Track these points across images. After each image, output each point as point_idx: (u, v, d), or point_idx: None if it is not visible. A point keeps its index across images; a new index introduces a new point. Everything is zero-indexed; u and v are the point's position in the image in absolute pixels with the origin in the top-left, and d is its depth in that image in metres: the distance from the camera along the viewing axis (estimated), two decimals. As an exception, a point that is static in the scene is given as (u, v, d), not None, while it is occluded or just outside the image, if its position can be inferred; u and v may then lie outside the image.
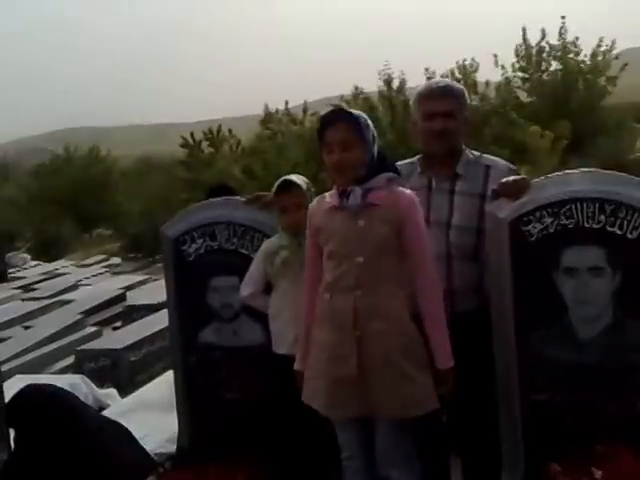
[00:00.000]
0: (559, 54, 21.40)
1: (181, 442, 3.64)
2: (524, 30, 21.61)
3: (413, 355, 2.55)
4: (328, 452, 2.85)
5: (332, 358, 2.57)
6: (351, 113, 2.62)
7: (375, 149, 2.63)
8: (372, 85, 18.42)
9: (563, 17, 21.32)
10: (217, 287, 3.46)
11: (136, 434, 3.55)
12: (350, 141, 2.56)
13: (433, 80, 3.30)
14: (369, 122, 2.62)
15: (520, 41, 21.61)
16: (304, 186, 3.05)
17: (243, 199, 3.50)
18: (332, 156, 2.57)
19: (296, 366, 2.79)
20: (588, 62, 21.18)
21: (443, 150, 2.99)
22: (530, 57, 21.52)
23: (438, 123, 2.94)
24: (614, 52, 21.21)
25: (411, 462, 2.69)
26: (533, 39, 21.49)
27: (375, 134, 2.64)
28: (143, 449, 3.51)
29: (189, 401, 3.60)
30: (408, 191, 2.64)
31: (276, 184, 3.08)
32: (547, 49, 21.51)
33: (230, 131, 22.19)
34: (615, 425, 2.75)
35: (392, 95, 17.46)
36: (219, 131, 22.19)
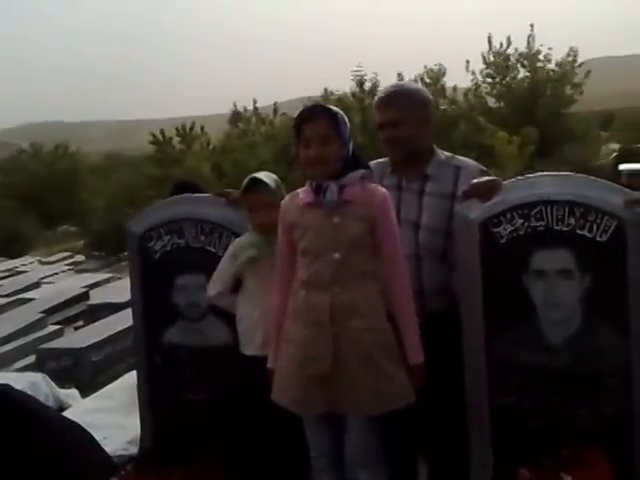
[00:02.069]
0: (526, 62, 21.74)
1: (144, 444, 3.56)
2: (489, 38, 21.96)
3: (390, 351, 2.58)
4: (298, 455, 2.81)
5: (307, 355, 2.57)
6: (330, 109, 2.64)
7: (350, 146, 2.64)
8: (343, 88, 18.51)
9: (532, 25, 21.68)
10: (183, 286, 3.38)
11: (97, 435, 3.48)
12: (329, 136, 2.57)
13: (386, 86, 3.24)
14: (346, 119, 2.64)
15: (487, 48, 21.97)
16: (273, 185, 3.00)
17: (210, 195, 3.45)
18: (310, 151, 2.58)
19: (269, 364, 2.76)
20: (557, 70, 21.55)
21: (398, 157, 3.01)
22: (497, 64, 21.82)
23: (386, 133, 2.98)
24: (579, 60, 21.64)
25: (381, 463, 2.68)
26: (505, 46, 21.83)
27: (350, 132, 2.65)
28: (104, 451, 3.44)
29: (153, 402, 3.52)
30: (381, 188, 2.68)
31: (244, 182, 3.03)
32: (515, 56, 21.84)
33: (202, 128, 22.04)
34: (584, 429, 2.75)
35: (364, 96, 17.52)
36: (192, 128, 22.02)
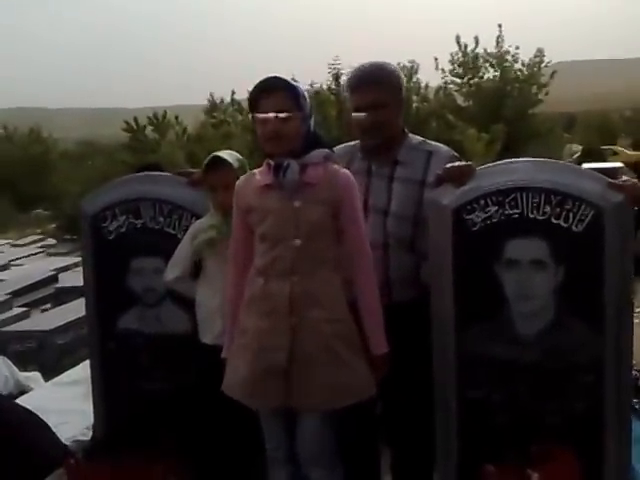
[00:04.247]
0: (495, 62, 21.92)
1: (96, 433, 3.42)
2: (458, 38, 22.03)
3: (351, 342, 2.45)
4: (252, 443, 2.70)
5: (263, 347, 2.42)
6: (289, 81, 2.45)
7: (312, 122, 2.48)
8: (318, 81, 18.47)
9: (500, 25, 21.82)
10: (139, 269, 3.21)
11: (57, 420, 3.42)
12: (287, 110, 2.39)
13: (362, 65, 2.88)
14: (306, 93, 2.48)
15: (456, 48, 22.04)
16: (235, 164, 2.85)
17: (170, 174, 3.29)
18: (267, 126, 2.40)
19: (224, 354, 2.62)
20: (525, 72, 21.79)
21: (377, 143, 2.85)
22: (466, 64, 21.95)
23: (367, 117, 2.77)
24: (545, 62, 21.91)
25: (335, 461, 2.56)
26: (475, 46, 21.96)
27: (311, 107, 2.49)
28: (55, 439, 3.33)
29: (106, 389, 3.36)
30: (344, 170, 2.52)
31: (205, 161, 2.88)
32: (483, 56, 22.00)
33: (176, 118, 21.90)
34: (554, 426, 2.64)
35: (340, 90, 17.53)
36: (164, 117, 21.87)
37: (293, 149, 2.42)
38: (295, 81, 2.49)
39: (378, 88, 2.78)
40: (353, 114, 2.83)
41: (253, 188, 2.49)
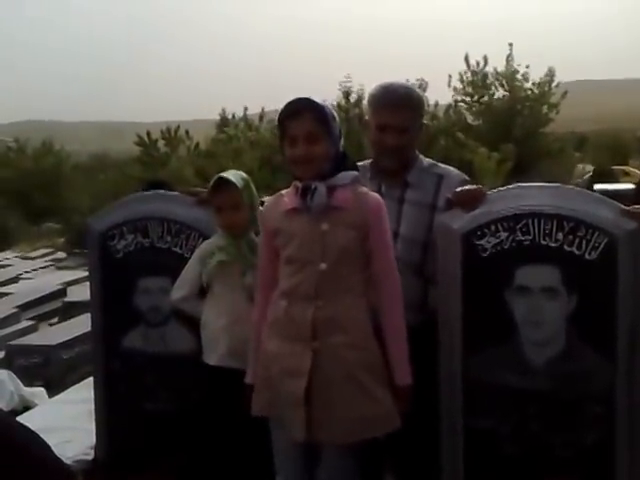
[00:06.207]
0: (504, 81, 21.91)
1: (98, 454, 3.38)
2: (467, 57, 22.05)
3: (375, 371, 2.37)
4: (257, 466, 2.65)
5: (283, 372, 2.36)
6: (317, 103, 2.38)
7: (341, 144, 2.42)
8: (328, 99, 18.51)
9: (510, 44, 21.80)
10: (146, 288, 3.19)
11: (60, 438, 3.36)
12: (316, 134, 2.34)
13: (392, 84, 2.86)
14: (335, 114, 2.42)
15: (465, 67, 22.05)
16: (240, 184, 2.83)
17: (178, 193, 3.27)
18: (296, 150, 2.35)
19: (247, 379, 2.53)
20: (535, 91, 21.76)
21: (394, 166, 2.82)
22: (475, 82, 21.96)
23: (391, 138, 2.75)
24: (556, 82, 21.88)
25: None
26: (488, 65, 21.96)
27: (340, 127, 2.44)
28: (56, 460, 3.24)
29: (109, 409, 3.34)
30: (374, 193, 2.45)
31: (211, 182, 2.86)
32: (493, 75, 22.00)
33: (187, 132, 21.97)
34: (563, 459, 2.58)
35: (349, 107, 17.60)
36: (177, 131, 21.94)
37: (322, 171, 2.37)
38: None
39: (407, 111, 2.78)
40: (375, 130, 2.80)
41: (280, 211, 2.43)
